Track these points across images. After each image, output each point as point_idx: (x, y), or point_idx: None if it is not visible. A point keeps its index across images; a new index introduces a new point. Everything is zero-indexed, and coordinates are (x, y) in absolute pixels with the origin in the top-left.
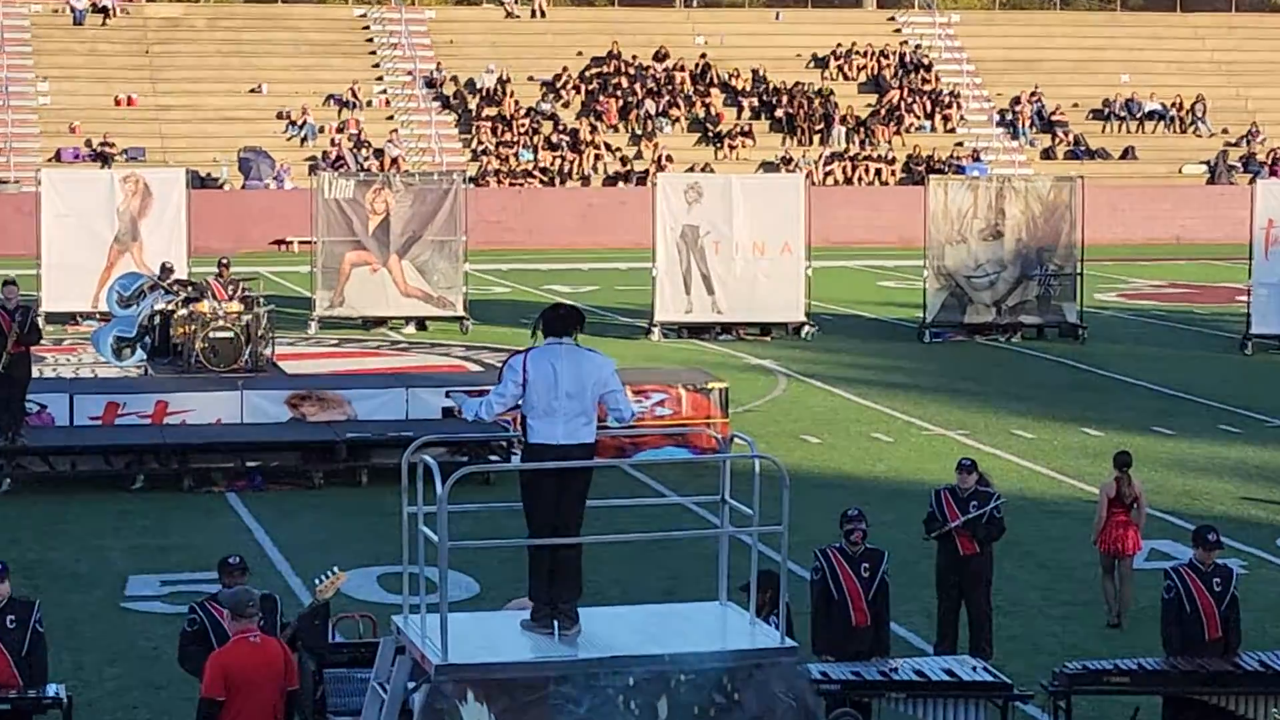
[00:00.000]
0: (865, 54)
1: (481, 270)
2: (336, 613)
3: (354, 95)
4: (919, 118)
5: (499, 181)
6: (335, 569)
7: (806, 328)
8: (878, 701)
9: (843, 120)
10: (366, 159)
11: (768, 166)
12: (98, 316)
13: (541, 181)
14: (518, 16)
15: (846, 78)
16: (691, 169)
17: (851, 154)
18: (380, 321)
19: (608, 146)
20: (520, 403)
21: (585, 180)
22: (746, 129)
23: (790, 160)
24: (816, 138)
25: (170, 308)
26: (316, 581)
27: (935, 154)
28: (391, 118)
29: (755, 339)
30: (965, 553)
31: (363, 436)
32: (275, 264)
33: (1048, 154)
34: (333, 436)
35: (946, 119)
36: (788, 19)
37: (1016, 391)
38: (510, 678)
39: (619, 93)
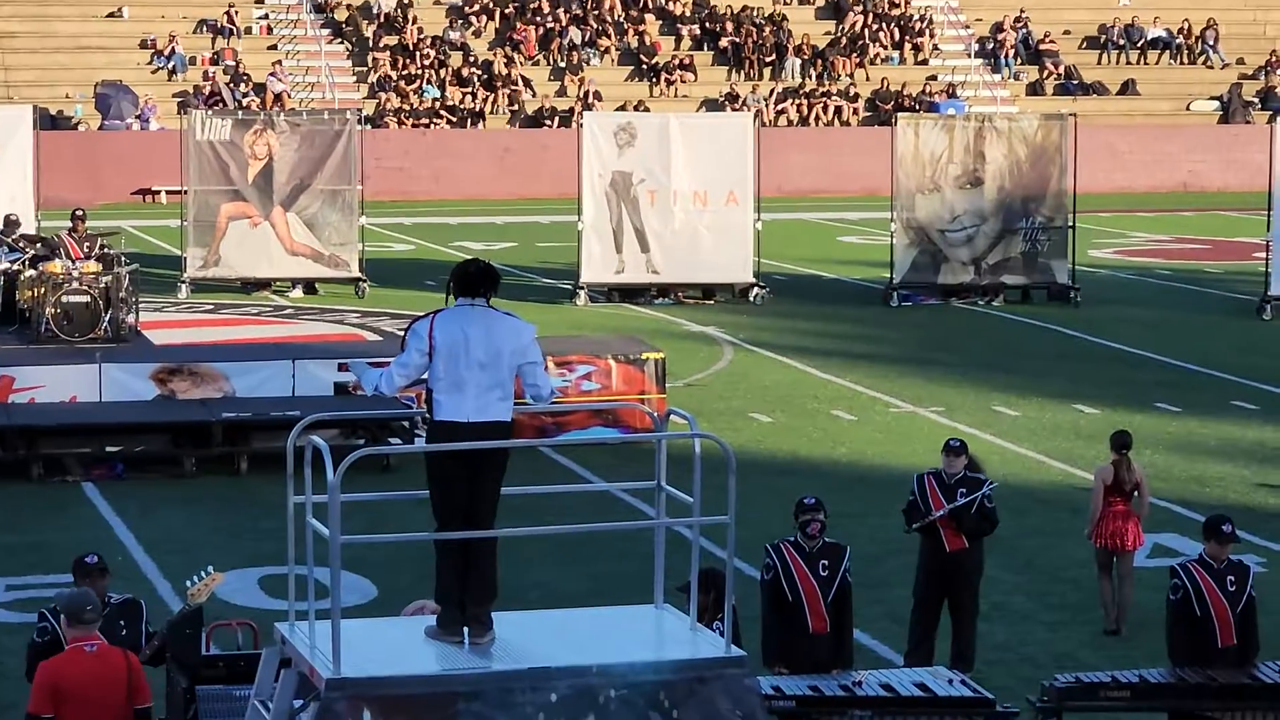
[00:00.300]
0: None
1: (380, 225)
2: (211, 620)
3: (230, 21)
4: (885, 47)
5: (400, 122)
6: (210, 569)
7: (756, 290)
8: None
9: (797, 51)
10: (245, 95)
11: (711, 105)
12: None
13: (450, 122)
14: None
15: (802, 2)
16: (623, 108)
17: (807, 90)
18: (262, 284)
19: (526, 82)
20: (426, 375)
21: (501, 121)
22: (686, 61)
23: (737, 97)
24: (767, 71)
25: (15, 268)
26: (188, 584)
27: (904, 89)
28: (274, 47)
29: (697, 303)
30: (952, 548)
31: (242, 417)
32: (139, 217)
33: (1034, 89)
34: (207, 417)
35: (917, 49)
36: None
37: (999, 363)
38: (412, 694)
39: (539, 19)
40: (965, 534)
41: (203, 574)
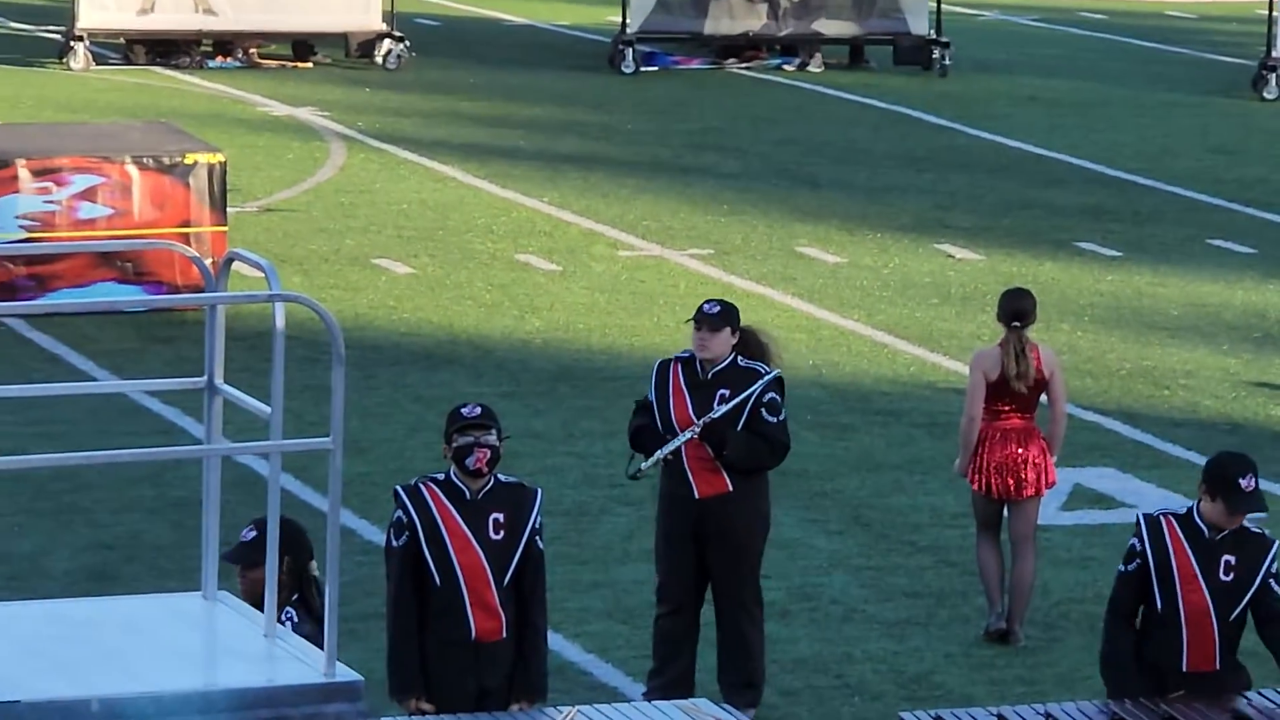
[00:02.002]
0: None
1: None
2: None
3: None
4: None
5: None
6: None
7: (388, 45)
8: None
9: None
10: None
11: None
12: None
13: None
14: None
15: None
16: None
17: None
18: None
19: None
20: None
21: None
22: None
23: None
24: None
25: None
26: None
27: None
28: None
29: (284, 66)
30: (705, 493)
31: None
32: None
33: None
34: None
35: None
36: None
37: (808, 172)
38: None
39: None
40: (729, 467)
41: None
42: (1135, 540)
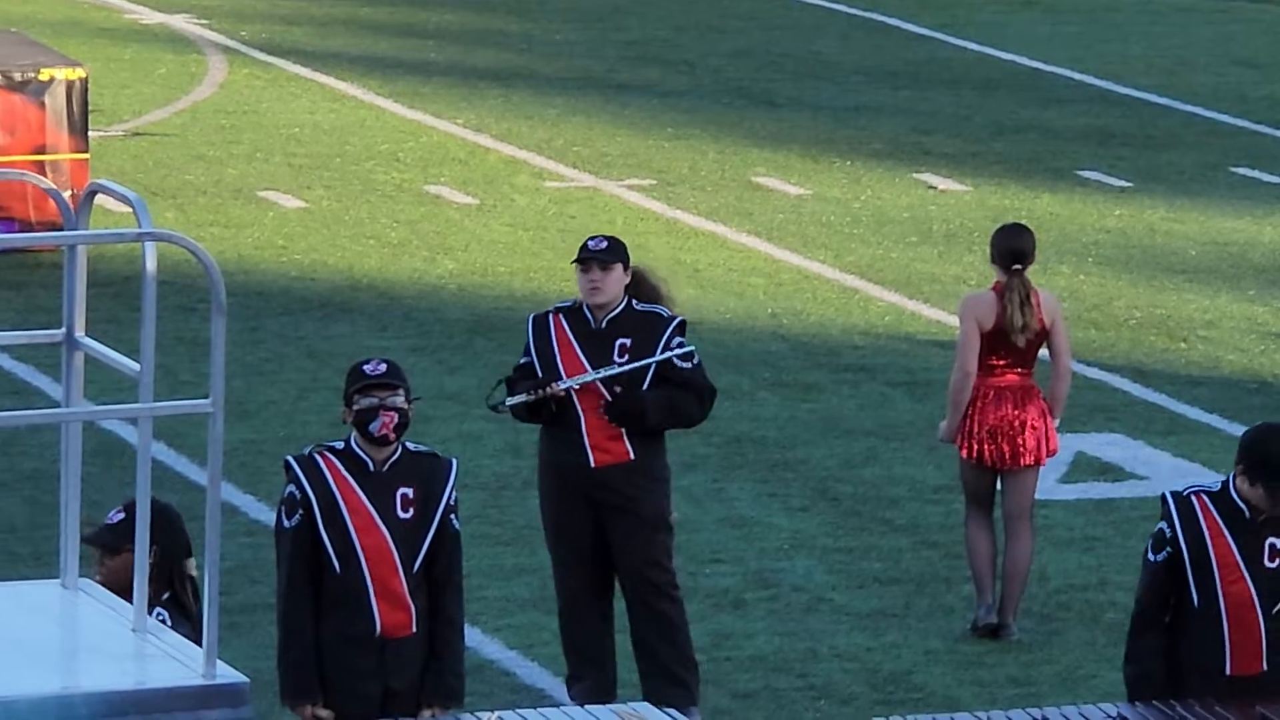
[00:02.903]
0: None
1: None
2: None
3: None
4: None
5: None
6: None
7: None
8: None
9: None
10: None
11: None
12: None
13: None
14: None
15: None
16: None
17: None
18: None
19: None
20: None
21: None
22: None
23: None
24: None
25: None
26: None
27: None
28: None
29: None
30: (602, 462)
31: None
32: None
33: None
34: None
35: None
36: None
37: (765, 89)
38: None
39: None
40: (625, 422)
41: None
42: (1164, 525)
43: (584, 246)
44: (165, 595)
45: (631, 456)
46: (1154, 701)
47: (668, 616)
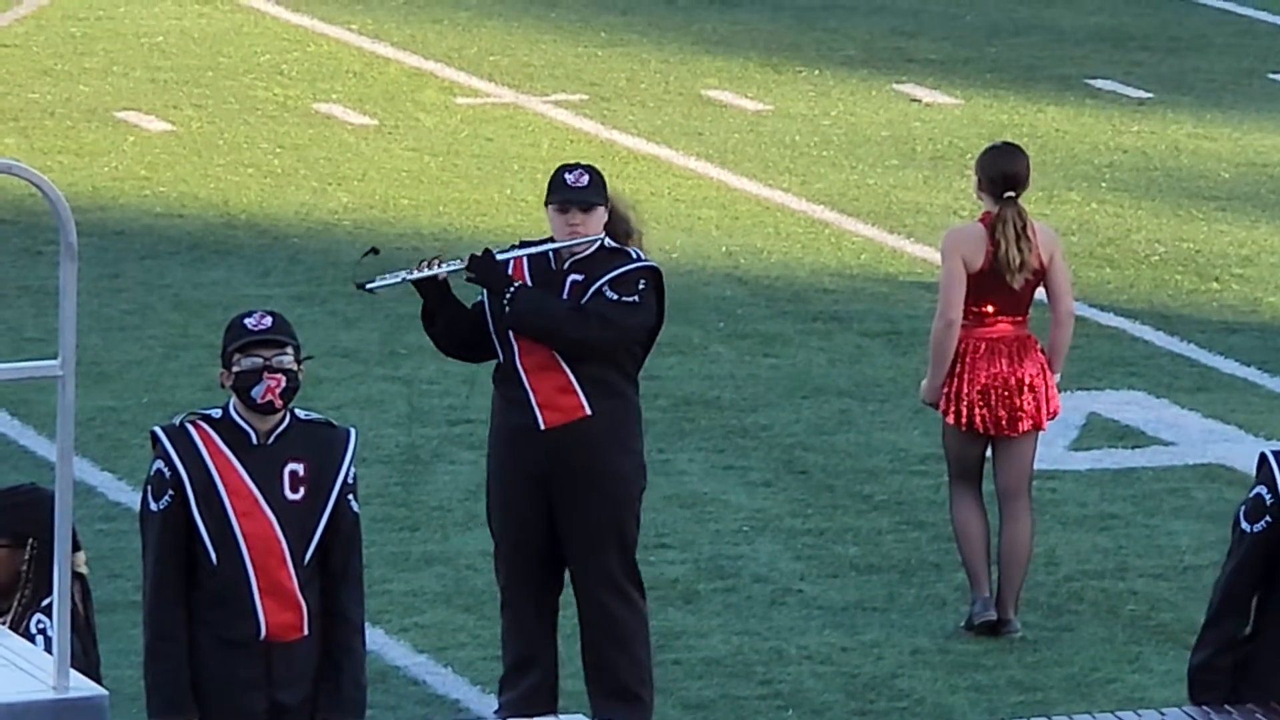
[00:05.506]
0: None
1: None
2: None
3: None
4: None
5: None
6: None
7: None
8: None
9: None
10: None
11: None
12: None
13: None
14: None
15: None
16: None
17: None
18: None
19: None
20: None
21: None
22: None
23: None
24: None
25: None
26: None
27: None
28: None
29: None
30: (553, 423)
31: None
32: None
33: None
34: None
35: None
36: None
37: None
38: None
39: None
40: (485, 284)
41: None
42: (1262, 488)
43: (560, 183)
44: (46, 601)
45: (588, 412)
46: (1205, 706)
47: (624, 621)
